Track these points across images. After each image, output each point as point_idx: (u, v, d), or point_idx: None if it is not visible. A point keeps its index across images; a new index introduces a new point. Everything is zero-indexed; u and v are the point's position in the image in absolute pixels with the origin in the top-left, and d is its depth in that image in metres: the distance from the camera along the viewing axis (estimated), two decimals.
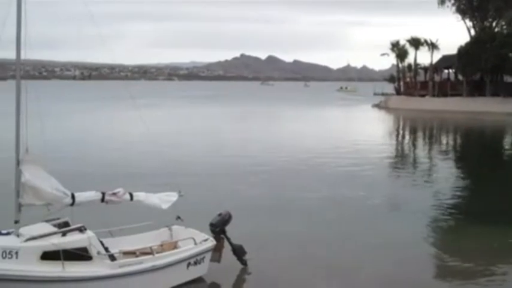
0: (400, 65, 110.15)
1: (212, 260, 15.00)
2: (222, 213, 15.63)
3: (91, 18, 15.43)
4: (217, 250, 15.10)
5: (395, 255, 17.32)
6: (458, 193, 27.65)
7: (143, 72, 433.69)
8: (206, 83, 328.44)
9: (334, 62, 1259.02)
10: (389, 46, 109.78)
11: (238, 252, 15.70)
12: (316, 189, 27.33)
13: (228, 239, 15.54)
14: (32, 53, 13.48)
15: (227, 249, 15.52)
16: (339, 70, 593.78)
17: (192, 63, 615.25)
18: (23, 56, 13.31)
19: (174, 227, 15.59)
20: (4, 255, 12.13)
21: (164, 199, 14.92)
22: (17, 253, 12.21)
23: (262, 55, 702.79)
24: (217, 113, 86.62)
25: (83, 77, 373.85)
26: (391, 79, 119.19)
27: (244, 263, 15.78)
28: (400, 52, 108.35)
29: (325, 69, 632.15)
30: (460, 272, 16.43)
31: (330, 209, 23.26)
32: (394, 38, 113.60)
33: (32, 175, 13.05)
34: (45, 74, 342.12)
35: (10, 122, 13.66)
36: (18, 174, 13.07)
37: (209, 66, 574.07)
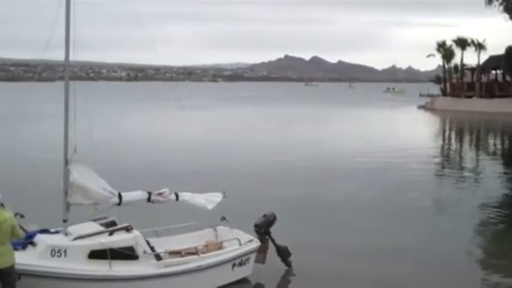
0: (446, 66, 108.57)
1: (257, 261, 14.98)
2: (267, 214, 15.61)
3: (138, 19, 15.58)
4: (261, 251, 15.08)
5: (445, 268, 16.88)
6: (508, 196, 27.10)
7: (188, 74, 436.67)
8: (250, 84, 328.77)
9: (379, 62, 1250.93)
10: (436, 46, 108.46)
11: (283, 253, 15.66)
12: (364, 190, 27.11)
13: (273, 240, 15.51)
14: (79, 55, 13.66)
15: (272, 250, 15.49)
16: (384, 71, 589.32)
17: (236, 64, 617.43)
18: (71, 58, 13.50)
19: (219, 228, 15.63)
20: (53, 253, 12.33)
21: (209, 199, 14.98)
22: (65, 251, 12.40)
23: (306, 56, 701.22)
24: (262, 114, 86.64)
25: (129, 78, 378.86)
26: (437, 80, 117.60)
27: (288, 264, 15.72)
28: (446, 53, 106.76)
29: (370, 70, 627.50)
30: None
31: (378, 211, 23.02)
32: (440, 38, 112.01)
33: (80, 175, 13.24)
34: (92, 75, 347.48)
35: (58, 123, 13.88)
36: (67, 173, 13.26)
37: (253, 67, 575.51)
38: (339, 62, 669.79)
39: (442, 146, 52.60)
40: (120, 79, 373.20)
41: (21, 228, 12.27)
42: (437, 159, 41.53)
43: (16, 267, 11.53)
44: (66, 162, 13.30)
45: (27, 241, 12.44)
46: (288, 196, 25.24)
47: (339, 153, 40.64)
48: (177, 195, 14.62)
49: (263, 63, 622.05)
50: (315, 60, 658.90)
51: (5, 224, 11.12)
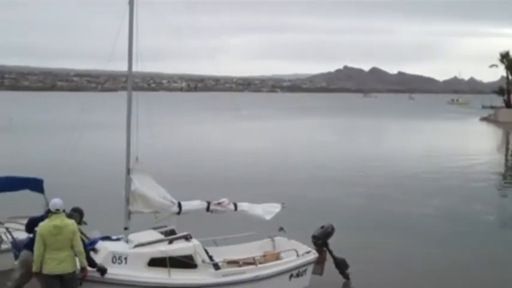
0: (510, 77, 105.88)
1: (314, 272, 14.91)
2: (324, 226, 15.53)
3: (198, 30, 15.80)
4: (319, 263, 15.00)
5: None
6: None
7: (247, 84, 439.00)
8: (309, 95, 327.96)
9: (440, 73, 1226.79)
10: (499, 57, 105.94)
11: (341, 265, 15.53)
12: (427, 203, 26.72)
13: (331, 252, 15.41)
14: (141, 65, 13.94)
15: (329, 262, 15.39)
16: (445, 82, 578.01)
17: (294, 75, 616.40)
18: (133, 68, 13.79)
19: (277, 238, 15.62)
20: (114, 260, 12.56)
21: (267, 210, 15.00)
22: (126, 258, 12.62)
23: (366, 67, 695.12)
24: (320, 125, 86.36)
25: (189, 89, 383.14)
26: (500, 91, 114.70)
27: (346, 276, 15.59)
28: (509, 63, 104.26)
29: (430, 81, 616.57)
30: None
31: (442, 224, 22.61)
32: (503, 49, 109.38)
33: (141, 184, 13.47)
34: (153, 85, 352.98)
35: (121, 132, 14.15)
36: (128, 182, 13.52)
37: (312, 78, 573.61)
38: (399, 73, 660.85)
39: (507, 159, 51.28)
40: (181, 89, 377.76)
41: (83, 234, 12.58)
42: (499, 171, 40.47)
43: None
44: (128, 171, 13.55)
45: (90, 247, 12.71)
46: (347, 208, 25.07)
47: (400, 165, 40.10)
48: (235, 205, 14.71)
49: (322, 74, 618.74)
50: (375, 71, 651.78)
51: (66, 229, 11.40)
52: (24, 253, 12.12)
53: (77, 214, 12.95)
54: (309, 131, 73.80)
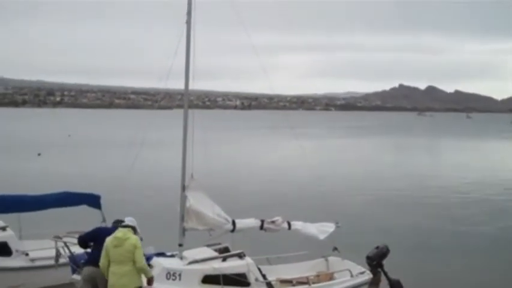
0: None
1: None
2: (379, 246, 15.30)
3: (253, 49, 15.90)
4: (373, 284, 14.78)
5: None
6: None
7: (301, 102, 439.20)
8: (363, 114, 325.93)
9: (498, 92, 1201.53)
10: None
11: (396, 287, 15.26)
12: (485, 224, 26.12)
13: (385, 273, 15.15)
14: (197, 83, 14.10)
15: (384, 283, 15.14)
16: (504, 101, 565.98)
17: (349, 93, 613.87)
18: (190, 87, 13.96)
19: (331, 258, 15.49)
20: (168, 276, 12.65)
21: (321, 229, 14.91)
22: (180, 275, 12.69)
23: (422, 85, 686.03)
24: (374, 144, 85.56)
25: (243, 107, 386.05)
26: None
27: None
28: None
29: (488, 99, 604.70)
30: None
31: (502, 247, 22.02)
32: None
33: (196, 201, 13.58)
34: (208, 103, 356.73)
35: (176, 150, 14.29)
36: (183, 199, 13.64)
37: (366, 97, 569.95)
38: (456, 91, 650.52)
39: None
40: (235, 107, 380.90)
41: None
42: None
43: None
44: (183, 188, 13.68)
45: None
46: (402, 228, 24.70)
47: (456, 185, 39.35)
48: (289, 224, 14.67)
49: (376, 92, 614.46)
50: (431, 90, 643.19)
51: (127, 242, 11.40)
52: (88, 269, 12.14)
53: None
54: (363, 150, 73.14)
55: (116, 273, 11.35)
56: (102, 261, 11.52)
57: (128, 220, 11.88)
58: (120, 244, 11.37)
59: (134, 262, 11.42)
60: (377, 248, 15.30)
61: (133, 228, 11.77)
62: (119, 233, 11.52)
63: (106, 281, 11.65)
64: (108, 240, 11.52)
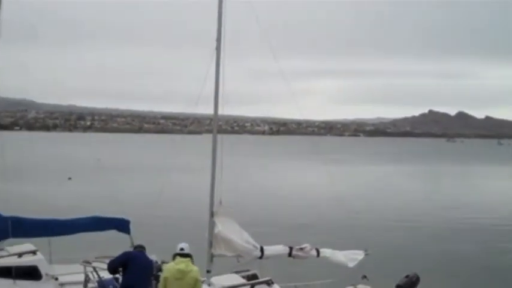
0: None
1: None
2: (409, 275, 15.03)
3: (282, 74, 15.93)
4: None
5: None
6: None
7: (329, 128, 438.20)
8: (392, 140, 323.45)
9: None
10: None
11: None
12: None
13: None
14: (226, 109, 14.16)
15: None
16: None
17: (377, 119, 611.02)
18: (219, 112, 14.03)
19: (360, 286, 15.26)
20: None
21: (350, 257, 14.75)
22: None
23: (452, 111, 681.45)
24: (403, 171, 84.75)
25: (271, 132, 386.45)
26: None
27: None
28: None
29: None
30: None
31: None
32: None
33: (224, 227, 13.56)
34: (236, 128, 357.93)
35: (204, 175, 14.28)
36: (212, 225, 13.63)
37: (395, 122, 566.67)
38: (487, 117, 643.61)
39: None
40: (263, 132, 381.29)
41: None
42: None
43: None
44: (212, 214, 13.67)
45: None
46: (432, 257, 24.34)
47: (488, 213, 38.76)
48: (318, 251, 14.56)
49: (406, 118, 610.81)
50: (461, 116, 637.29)
51: (189, 276, 11.13)
52: None
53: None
54: (392, 177, 72.52)
55: None
56: None
57: (186, 247, 11.46)
58: (182, 277, 11.07)
59: None
60: (407, 276, 15.04)
61: (190, 256, 11.44)
62: (181, 264, 11.16)
63: None
64: (169, 271, 11.19)
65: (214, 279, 13.38)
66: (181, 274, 11.10)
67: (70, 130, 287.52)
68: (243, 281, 13.47)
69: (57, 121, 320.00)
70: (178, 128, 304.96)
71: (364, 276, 14.93)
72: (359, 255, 14.86)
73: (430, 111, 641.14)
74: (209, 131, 14.57)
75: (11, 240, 17.06)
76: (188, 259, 11.31)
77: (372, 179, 69.61)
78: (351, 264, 14.61)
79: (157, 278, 12.90)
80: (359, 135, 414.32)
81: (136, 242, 13.50)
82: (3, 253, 16.75)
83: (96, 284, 14.15)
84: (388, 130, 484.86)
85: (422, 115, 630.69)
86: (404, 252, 24.80)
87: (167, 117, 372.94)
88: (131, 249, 13.23)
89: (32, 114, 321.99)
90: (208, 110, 14.37)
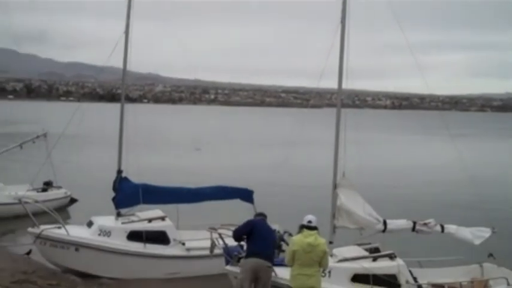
0: None
1: None
2: None
3: (408, 47, 15.62)
4: None
5: None
6: None
7: (454, 103, 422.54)
8: None
9: None
10: None
11: None
12: None
13: None
14: (348, 83, 14.12)
15: None
16: None
17: (507, 94, 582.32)
18: (342, 86, 14.04)
19: (486, 265, 14.85)
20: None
21: (476, 234, 14.38)
22: (329, 272, 12.78)
23: None
24: None
25: (393, 107, 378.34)
26: None
27: None
28: None
29: None
30: None
31: None
32: None
33: (347, 199, 13.64)
34: (357, 102, 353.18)
35: (327, 149, 14.33)
36: (335, 197, 13.74)
37: None
38: None
39: None
40: (385, 107, 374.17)
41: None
42: None
43: None
44: (335, 186, 13.78)
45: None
46: None
47: None
48: (442, 227, 14.30)
49: None
50: None
51: (318, 248, 11.40)
52: (252, 260, 12.04)
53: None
54: None
55: (305, 275, 11.42)
56: (289, 261, 11.59)
57: (313, 220, 11.67)
58: (312, 250, 11.35)
59: (320, 265, 11.55)
60: None
61: (317, 229, 11.69)
62: (310, 237, 11.40)
63: (268, 274, 11.99)
64: (298, 244, 11.44)
65: (336, 251, 13.52)
66: (311, 247, 11.36)
67: (195, 103, 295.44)
68: (365, 253, 13.50)
69: (182, 94, 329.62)
70: (299, 101, 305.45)
71: (491, 255, 14.53)
72: (486, 232, 14.45)
73: None
74: (330, 105, 14.67)
75: (141, 206, 18.04)
76: (316, 232, 11.54)
77: (501, 155, 66.81)
78: (477, 242, 14.24)
79: (279, 247, 13.23)
80: (486, 111, 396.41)
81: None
82: (135, 218, 17.79)
83: (221, 251, 14.66)
84: None
85: None
86: None
87: (288, 91, 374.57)
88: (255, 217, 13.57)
89: (159, 88, 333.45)
90: (330, 84, 14.42)
